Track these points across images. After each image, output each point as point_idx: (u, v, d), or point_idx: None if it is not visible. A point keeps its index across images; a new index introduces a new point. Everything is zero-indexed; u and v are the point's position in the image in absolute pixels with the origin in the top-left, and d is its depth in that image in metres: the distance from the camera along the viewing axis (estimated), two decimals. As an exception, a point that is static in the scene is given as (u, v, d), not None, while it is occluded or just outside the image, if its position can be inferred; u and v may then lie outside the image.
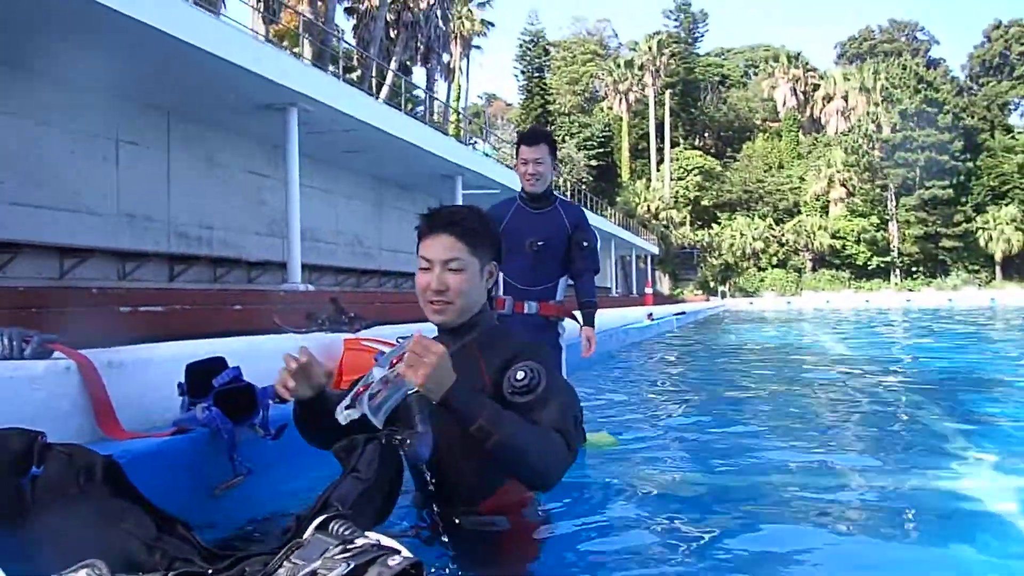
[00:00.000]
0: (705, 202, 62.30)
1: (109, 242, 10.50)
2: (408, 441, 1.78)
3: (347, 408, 1.67)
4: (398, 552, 1.14)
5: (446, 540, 1.91)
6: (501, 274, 3.70)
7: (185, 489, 2.10)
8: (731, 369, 8.72)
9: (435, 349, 1.68)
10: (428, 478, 1.93)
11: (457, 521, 1.95)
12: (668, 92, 64.41)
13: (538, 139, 3.54)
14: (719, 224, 60.60)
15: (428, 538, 1.93)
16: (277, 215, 13.23)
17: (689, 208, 60.85)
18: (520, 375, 1.84)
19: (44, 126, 9.80)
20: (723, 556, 2.02)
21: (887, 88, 57.65)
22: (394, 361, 1.71)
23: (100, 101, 10.47)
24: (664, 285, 57.16)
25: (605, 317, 14.45)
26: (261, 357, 3.07)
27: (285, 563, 1.10)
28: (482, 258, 1.96)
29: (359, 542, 1.13)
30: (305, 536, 1.22)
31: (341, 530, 1.24)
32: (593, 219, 33.82)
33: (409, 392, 1.70)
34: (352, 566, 1.03)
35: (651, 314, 15.82)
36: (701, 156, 64.50)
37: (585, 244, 3.56)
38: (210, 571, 1.36)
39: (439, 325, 1.98)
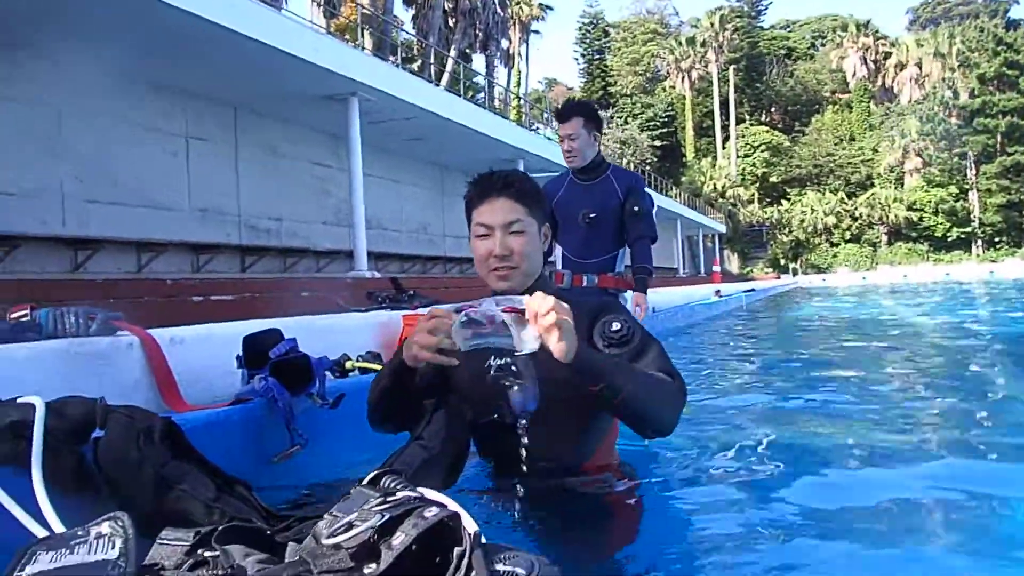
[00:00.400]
0: (773, 178, 60.89)
1: (183, 235, 10.83)
2: (516, 388, 1.68)
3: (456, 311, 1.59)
4: (440, 504, 1.12)
5: (539, 503, 1.83)
6: (559, 248, 3.68)
7: (243, 458, 2.14)
8: (802, 344, 8.50)
9: (566, 306, 1.56)
10: (522, 435, 1.76)
11: (555, 484, 1.88)
12: (732, 68, 63.07)
13: (568, 114, 3.47)
14: (788, 200, 59.19)
15: (513, 501, 1.82)
16: (342, 205, 13.44)
17: (757, 185, 59.58)
18: (616, 326, 1.79)
19: (116, 126, 10.13)
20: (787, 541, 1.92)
21: (964, 52, 55.35)
22: (507, 310, 1.56)
23: (168, 100, 10.80)
24: (733, 264, 56.21)
25: (672, 294, 14.27)
26: (315, 333, 3.12)
27: (326, 515, 1.10)
28: (539, 219, 1.91)
29: (400, 495, 1.11)
30: (352, 490, 1.22)
31: (390, 484, 1.23)
32: (658, 199, 32.94)
33: (519, 353, 1.55)
34: (387, 517, 1.02)
35: (719, 291, 15.58)
36: (768, 132, 62.97)
37: (636, 209, 3.47)
38: (268, 531, 1.38)
39: (504, 292, 1.86)
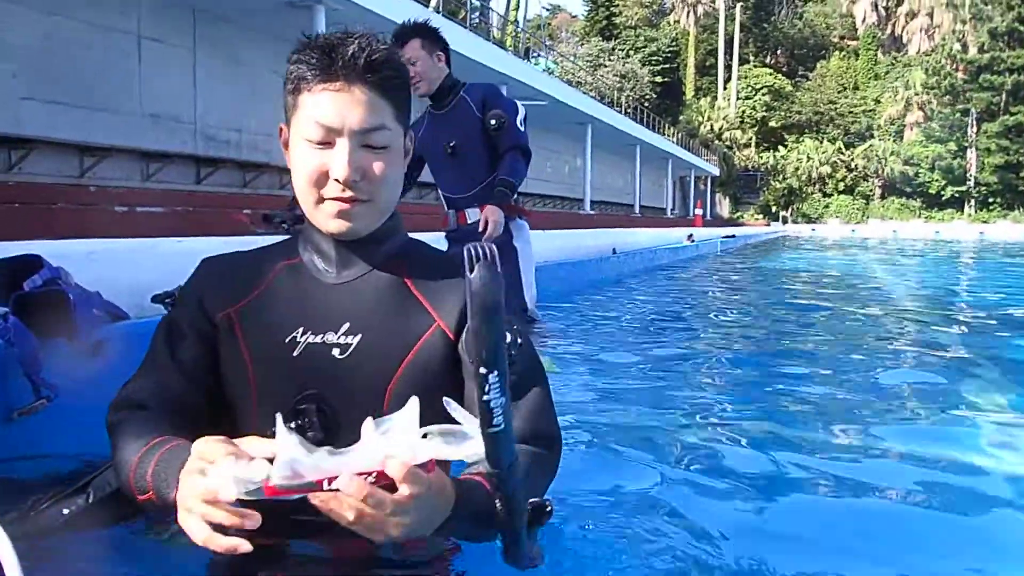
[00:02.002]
0: (772, 123, 59.98)
1: (131, 142, 10.28)
2: None
3: None
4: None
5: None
6: (439, 189, 3.33)
7: (-27, 412, 1.76)
8: (768, 299, 8.14)
9: (404, 499, 0.84)
10: None
11: None
12: (739, 5, 61.52)
13: (405, 36, 3.01)
14: (785, 147, 58.43)
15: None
16: (309, 120, 12.86)
17: (755, 129, 58.70)
18: (507, 338, 1.02)
19: (58, 17, 9.48)
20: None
21: (977, 4, 53.95)
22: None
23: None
24: (724, 208, 55.78)
25: (636, 237, 13.85)
26: (167, 259, 2.72)
27: None
28: (404, 125, 1.21)
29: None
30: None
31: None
32: (651, 137, 31.94)
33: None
34: None
35: (691, 236, 15.15)
36: (771, 74, 61.76)
37: (494, 123, 3.08)
38: None
39: (342, 236, 1.18)
